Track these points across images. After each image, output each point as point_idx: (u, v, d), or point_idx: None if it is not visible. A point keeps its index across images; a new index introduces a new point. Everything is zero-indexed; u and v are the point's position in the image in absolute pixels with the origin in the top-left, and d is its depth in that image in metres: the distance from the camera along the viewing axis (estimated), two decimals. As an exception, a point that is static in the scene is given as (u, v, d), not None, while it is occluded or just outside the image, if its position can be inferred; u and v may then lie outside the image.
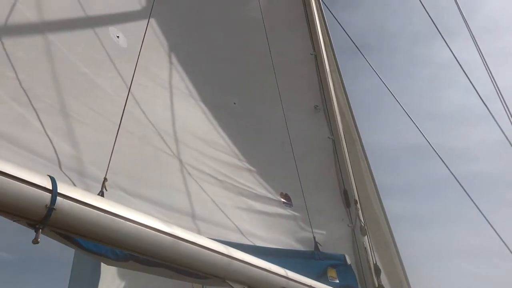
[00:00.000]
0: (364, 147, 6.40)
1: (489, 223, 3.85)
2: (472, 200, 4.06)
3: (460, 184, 4.23)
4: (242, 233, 3.12)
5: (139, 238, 2.00)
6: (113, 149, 2.37)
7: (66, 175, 2.13)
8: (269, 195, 3.66)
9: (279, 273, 2.65)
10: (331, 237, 3.82)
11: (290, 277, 2.73)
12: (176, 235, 2.14)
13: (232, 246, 2.61)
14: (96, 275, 4.70)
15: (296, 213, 3.71)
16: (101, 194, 2.22)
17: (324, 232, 3.78)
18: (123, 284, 4.84)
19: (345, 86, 5.96)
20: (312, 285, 2.92)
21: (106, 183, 2.32)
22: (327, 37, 5.59)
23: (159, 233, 2.08)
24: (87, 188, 2.19)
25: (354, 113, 6.15)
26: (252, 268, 2.46)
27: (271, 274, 2.57)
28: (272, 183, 3.77)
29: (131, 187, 2.54)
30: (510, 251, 3.82)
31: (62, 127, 2.34)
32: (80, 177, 2.24)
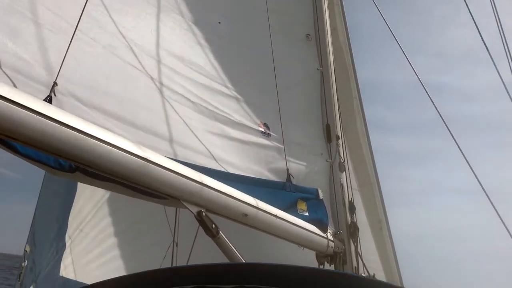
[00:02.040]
0: (359, 84, 6.19)
1: (467, 162, 3.72)
2: (454, 140, 3.89)
3: (445, 124, 4.03)
4: (211, 158, 2.99)
5: (83, 149, 1.87)
6: (67, 51, 2.18)
7: (6, 74, 1.95)
8: (247, 123, 3.50)
9: (241, 199, 2.56)
10: (308, 171, 3.71)
11: (253, 204, 2.64)
12: (126, 149, 2.01)
13: (196, 169, 2.49)
14: (71, 191, 4.67)
15: (273, 144, 3.57)
16: (49, 99, 2.06)
17: (300, 165, 3.67)
18: (102, 201, 4.82)
19: (346, 20, 5.65)
20: (277, 215, 2.85)
21: (57, 90, 2.16)
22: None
23: (107, 145, 1.95)
24: (33, 92, 2.02)
25: (352, 48, 5.88)
26: (210, 190, 2.35)
27: (231, 199, 2.48)
28: (251, 111, 3.60)
29: (88, 98, 2.37)
30: (485, 192, 3.72)
31: (9, 23, 2.13)
32: (26, 80, 2.06)
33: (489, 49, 4.24)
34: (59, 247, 4.55)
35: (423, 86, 4.20)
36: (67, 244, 4.58)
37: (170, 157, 2.43)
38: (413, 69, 3.90)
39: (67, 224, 4.66)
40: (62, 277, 4.39)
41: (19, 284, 5.00)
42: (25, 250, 5.16)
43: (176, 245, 4.22)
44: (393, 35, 4.38)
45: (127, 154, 1.99)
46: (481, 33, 4.33)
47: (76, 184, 4.76)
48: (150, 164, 2.07)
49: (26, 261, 5.02)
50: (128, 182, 2.05)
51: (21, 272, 5.05)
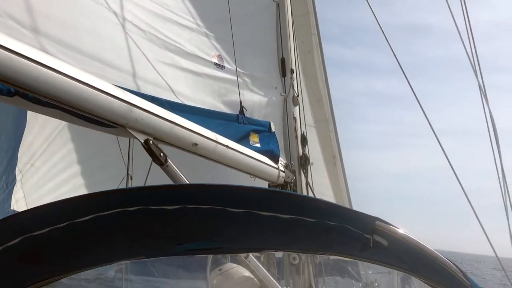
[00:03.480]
0: (318, 21, 6.15)
1: (419, 104, 3.81)
2: (408, 82, 3.96)
3: (401, 68, 4.06)
4: (161, 87, 2.93)
5: (18, 71, 1.79)
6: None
7: None
8: (200, 54, 3.42)
9: (191, 128, 2.56)
10: (261, 104, 3.73)
11: (204, 134, 2.65)
12: (66, 73, 1.94)
13: (143, 97, 2.45)
14: (20, 125, 4.53)
15: (227, 76, 3.53)
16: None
17: (254, 98, 3.67)
18: (53, 135, 4.71)
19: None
20: (229, 145, 2.88)
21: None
22: None
23: (45, 68, 1.87)
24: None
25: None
26: (158, 119, 2.33)
27: (180, 128, 2.47)
28: (204, 42, 3.52)
29: (26, 19, 2.23)
30: (435, 134, 3.84)
31: None
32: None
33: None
34: (9, 181, 4.48)
35: (382, 30, 4.17)
36: (18, 178, 4.51)
37: (116, 84, 2.37)
38: (372, 11, 3.86)
39: (16, 158, 4.56)
40: (13, 210, 4.35)
41: None
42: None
43: (131, 178, 4.22)
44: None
45: (67, 79, 1.93)
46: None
47: (25, 117, 4.62)
48: (93, 90, 2.02)
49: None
50: (69, 108, 2.00)
51: None
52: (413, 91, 3.64)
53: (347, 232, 1.57)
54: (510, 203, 3.86)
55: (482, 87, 3.75)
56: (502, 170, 3.97)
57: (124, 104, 2.14)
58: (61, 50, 2.37)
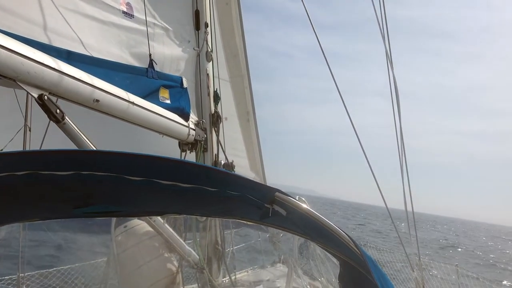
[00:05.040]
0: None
1: (326, 61, 3.86)
2: (317, 38, 3.97)
3: (310, 22, 4.05)
4: (61, 36, 2.68)
5: None
6: None
7: None
8: (106, 0, 3.17)
9: (92, 83, 2.40)
10: (173, 58, 3.58)
11: (106, 90, 2.50)
12: None
13: (37, 46, 2.23)
14: None
15: (136, 26, 3.32)
16: None
17: (165, 51, 3.51)
18: None
19: None
20: (135, 101, 2.76)
21: None
22: None
23: None
24: None
25: None
26: (53, 72, 2.14)
27: (79, 83, 2.30)
28: (112, -12, 3.26)
29: None
30: (338, 91, 3.95)
31: None
32: None
33: None
34: None
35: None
36: None
37: (5, 30, 2.12)
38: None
39: None
40: None
41: None
42: None
43: (29, 130, 3.92)
44: None
45: None
46: None
47: None
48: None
49: None
50: None
51: None
52: (321, 47, 3.67)
53: (249, 201, 1.60)
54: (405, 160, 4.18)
55: (388, 51, 3.91)
56: (401, 131, 4.25)
57: (14, 55, 1.93)
58: None
